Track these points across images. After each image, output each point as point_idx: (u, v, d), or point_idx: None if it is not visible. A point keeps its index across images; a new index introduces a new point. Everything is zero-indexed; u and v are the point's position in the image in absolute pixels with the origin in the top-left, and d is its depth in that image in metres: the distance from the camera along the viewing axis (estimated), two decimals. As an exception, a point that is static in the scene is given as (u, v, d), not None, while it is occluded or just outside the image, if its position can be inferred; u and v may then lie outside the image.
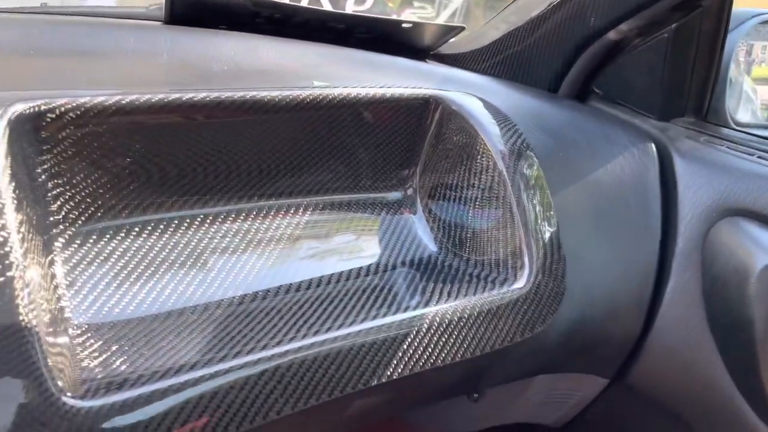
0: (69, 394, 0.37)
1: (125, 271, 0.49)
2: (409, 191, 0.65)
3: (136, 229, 0.51)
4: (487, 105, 0.61)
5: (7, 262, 0.36)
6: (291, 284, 0.54)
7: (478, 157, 0.59)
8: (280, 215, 0.58)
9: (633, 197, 0.62)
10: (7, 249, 0.37)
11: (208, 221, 0.54)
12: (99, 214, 0.49)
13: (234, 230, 0.55)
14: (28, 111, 0.43)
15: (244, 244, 0.54)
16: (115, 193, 0.50)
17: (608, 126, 0.66)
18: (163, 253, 0.50)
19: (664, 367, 0.61)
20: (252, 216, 0.57)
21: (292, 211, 0.59)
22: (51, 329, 0.39)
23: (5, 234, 0.37)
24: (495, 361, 0.56)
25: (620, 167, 0.62)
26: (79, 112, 0.45)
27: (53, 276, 0.45)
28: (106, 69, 0.56)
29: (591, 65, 0.70)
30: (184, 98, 0.49)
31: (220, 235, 0.54)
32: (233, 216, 0.55)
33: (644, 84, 0.68)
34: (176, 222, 0.53)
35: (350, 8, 0.76)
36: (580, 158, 0.62)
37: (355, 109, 0.59)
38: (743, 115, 0.71)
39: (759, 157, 0.58)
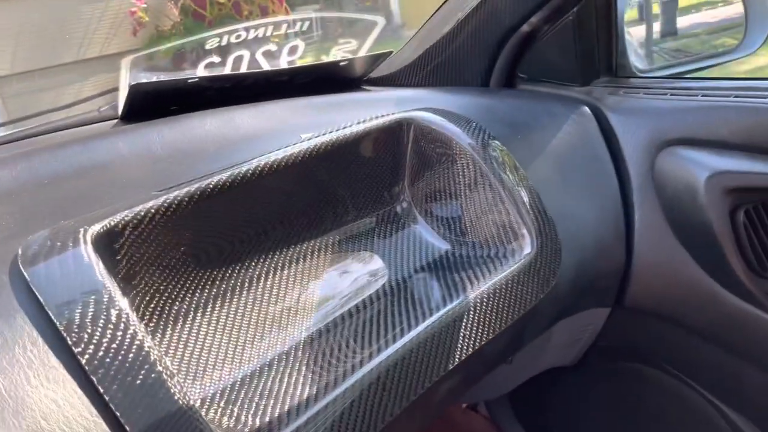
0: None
1: (206, 345, 0.55)
2: (404, 204, 0.74)
3: (201, 306, 0.56)
4: (449, 113, 0.71)
5: (151, 360, 0.42)
6: (342, 314, 0.61)
7: (457, 157, 0.69)
8: (309, 259, 0.65)
9: (584, 155, 0.73)
10: (146, 350, 0.42)
11: (253, 283, 0.60)
12: (168, 302, 0.55)
13: (276, 283, 0.61)
14: (101, 230, 0.48)
15: (289, 292, 0.61)
16: (177, 281, 0.55)
17: (546, 102, 0.78)
18: (229, 321, 0.56)
19: (650, 282, 0.73)
20: (285, 267, 0.63)
21: (316, 253, 0.66)
22: (199, 403, 0.45)
23: (141, 338, 0.42)
24: (528, 320, 0.66)
25: (567, 133, 0.74)
26: (138, 219, 0.51)
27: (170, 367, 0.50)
28: (111, 180, 0.60)
29: (512, 56, 0.82)
30: (215, 181, 0.56)
31: (267, 290, 0.60)
32: (274, 270, 0.62)
33: (562, 60, 0.80)
34: (230, 290, 0.59)
35: (284, 60, 0.82)
36: (533, 136, 0.73)
37: (346, 147, 0.67)
38: (640, 62, 0.85)
39: (671, 94, 0.72)
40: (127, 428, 0.39)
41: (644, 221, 0.72)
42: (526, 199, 0.67)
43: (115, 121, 0.80)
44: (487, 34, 0.80)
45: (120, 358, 0.41)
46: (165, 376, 0.42)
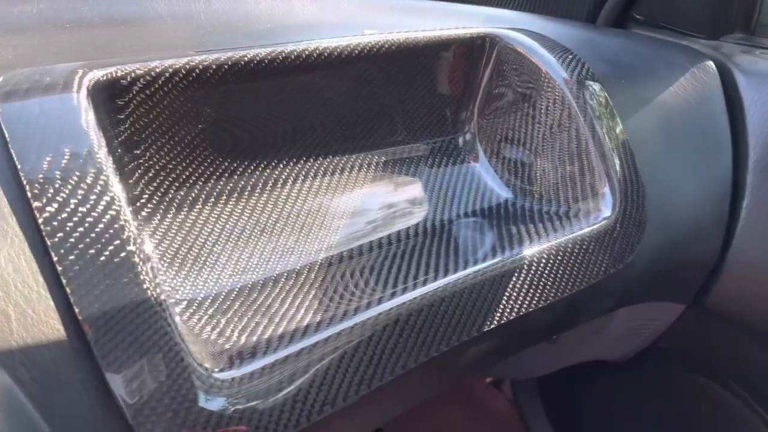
0: (213, 368, 0.34)
1: (208, 243, 0.47)
2: (467, 136, 0.63)
3: (211, 199, 0.48)
4: (545, 39, 0.59)
5: (124, 236, 0.34)
6: (371, 242, 0.52)
7: (543, 92, 0.57)
8: (346, 173, 0.56)
9: (699, 117, 0.61)
10: (121, 223, 0.34)
11: (279, 185, 0.51)
12: (175, 185, 0.47)
13: (305, 192, 0.53)
14: (104, 78, 0.40)
15: (318, 206, 0.52)
16: (189, 163, 0.47)
17: (663, 49, 0.65)
18: (241, 222, 0.48)
19: (743, 284, 0.61)
20: (320, 176, 0.54)
21: (356, 169, 0.56)
22: (170, 304, 0.37)
23: (117, 207, 0.34)
24: (589, 297, 0.55)
25: (683, 88, 0.61)
26: (152, 77, 0.42)
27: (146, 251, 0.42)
28: (143, 36, 0.52)
29: (631, -9, 0.69)
30: (251, 54, 0.47)
31: (293, 198, 0.52)
32: (303, 177, 0.53)
33: (692, 3, 0.67)
34: (249, 189, 0.50)
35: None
36: (642, 83, 0.61)
37: (412, 54, 0.56)
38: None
39: (822, 62, 0.58)
40: (76, 309, 0.31)
41: (754, 211, 0.59)
42: (615, 155, 0.55)
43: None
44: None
45: (86, 225, 0.33)
46: (136, 259, 0.33)
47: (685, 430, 0.77)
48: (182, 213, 0.46)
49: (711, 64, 0.62)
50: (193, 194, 0.47)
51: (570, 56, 0.58)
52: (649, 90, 0.60)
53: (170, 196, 0.46)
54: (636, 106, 0.59)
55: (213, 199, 0.47)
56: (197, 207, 0.47)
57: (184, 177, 0.47)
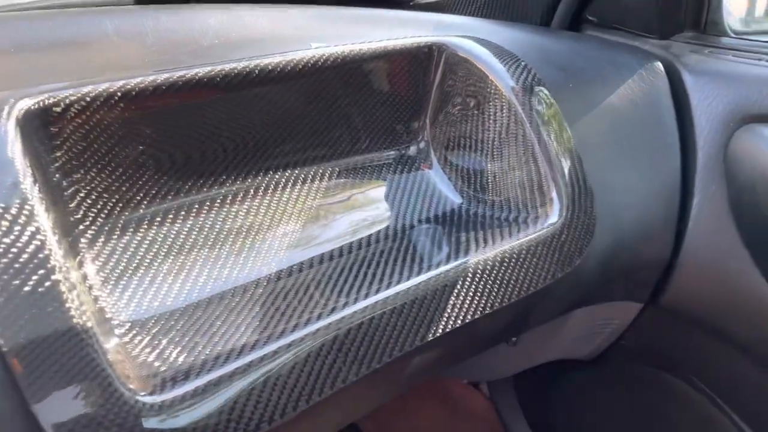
0: (140, 392, 0.35)
1: (155, 263, 0.47)
2: (422, 144, 0.64)
3: (158, 218, 0.48)
4: (492, 45, 0.60)
5: (49, 265, 0.34)
6: (322, 254, 0.53)
7: (491, 99, 0.58)
8: (297, 187, 0.56)
9: (648, 118, 0.61)
10: (46, 252, 0.34)
11: (227, 201, 0.52)
12: (118, 207, 0.47)
13: (254, 207, 0.53)
14: (34, 107, 0.40)
15: (267, 221, 0.52)
16: (132, 184, 0.48)
17: (612, 51, 0.65)
18: (190, 240, 0.48)
19: (697, 283, 0.62)
20: (269, 191, 0.55)
21: (307, 182, 0.57)
22: (101, 329, 0.37)
23: (42, 237, 0.35)
24: (539, 301, 0.56)
25: (631, 90, 0.61)
26: (86, 102, 0.43)
27: (86, 276, 0.43)
28: (89, 58, 0.52)
29: (583, -7, 0.69)
30: (189, 74, 0.47)
31: (242, 213, 0.52)
32: (251, 193, 0.53)
33: (641, 4, 0.67)
34: (197, 206, 0.51)
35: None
36: (590, 87, 0.61)
37: (359, 66, 0.57)
38: (738, 23, 0.70)
39: (767, 61, 0.58)
40: (1, 341, 0.32)
41: (703, 209, 0.60)
42: (563, 160, 0.56)
43: (129, 5, 0.72)
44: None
45: (10, 256, 0.33)
46: (62, 287, 0.34)
47: (653, 424, 0.78)
48: (127, 234, 0.47)
49: (659, 64, 0.63)
50: (138, 215, 0.48)
51: (517, 62, 0.58)
52: (597, 93, 0.61)
53: (114, 218, 0.47)
54: (584, 110, 0.60)
55: (159, 219, 0.48)
56: (143, 227, 0.47)
57: (127, 198, 0.47)
